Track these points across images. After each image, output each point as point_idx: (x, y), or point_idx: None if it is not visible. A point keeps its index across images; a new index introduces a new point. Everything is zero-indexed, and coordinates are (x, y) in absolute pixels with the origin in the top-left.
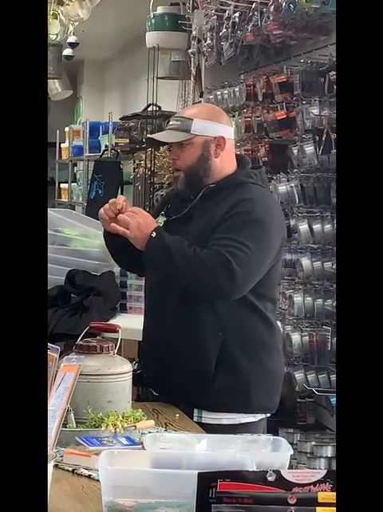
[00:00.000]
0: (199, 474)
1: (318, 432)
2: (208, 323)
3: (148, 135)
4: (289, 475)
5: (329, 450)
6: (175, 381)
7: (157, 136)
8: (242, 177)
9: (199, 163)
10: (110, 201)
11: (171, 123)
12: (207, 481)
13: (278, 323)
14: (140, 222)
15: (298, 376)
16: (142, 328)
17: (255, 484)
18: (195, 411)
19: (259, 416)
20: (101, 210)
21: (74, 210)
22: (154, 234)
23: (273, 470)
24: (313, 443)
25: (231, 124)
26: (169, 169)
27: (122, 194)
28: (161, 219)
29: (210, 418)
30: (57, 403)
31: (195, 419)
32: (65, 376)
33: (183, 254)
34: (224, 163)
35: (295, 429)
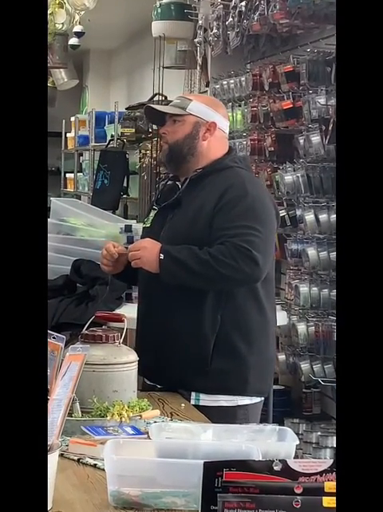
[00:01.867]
0: (205, 463)
1: (324, 422)
2: (206, 307)
3: (148, 104)
4: (295, 465)
5: (334, 441)
6: (173, 366)
7: (155, 106)
8: (227, 161)
9: (186, 140)
10: (103, 254)
11: (172, 100)
12: (213, 470)
13: (284, 313)
14: (146, 253)
15: (304, 366)
16: (136, 315)
17: (261, 474)
18: (193, 394)
19: (256, 399)
20: (103, 267)
21: (80, 199)
22: (162, 256)
23: (279, 460)
24: (319, 433)
25: (228, 119)
26: None
27: (128, 184)
28: (152, 213)
29: (208, 400)
30: (62, 392)
31: (192, 402)
32: (70, 366)
33: (199, 260)
34: (212, 149)
35: (301, 419)
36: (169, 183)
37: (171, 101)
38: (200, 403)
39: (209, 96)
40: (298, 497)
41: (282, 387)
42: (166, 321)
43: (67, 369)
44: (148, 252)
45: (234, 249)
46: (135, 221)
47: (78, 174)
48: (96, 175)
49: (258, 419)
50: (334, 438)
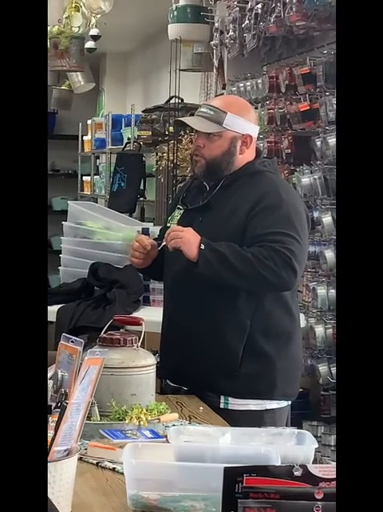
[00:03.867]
0: (225, 468)
1: None
2: (236, 310)
3: (178, 118)
4: (315, 470)
5: None
6: (201, 368)
7: (187, 121)
8: (257, 166)
9: (224, 156)
10: (135, 246)
11: (203, 110)
12: (234, 476)
13: (302, 315)
14: (188, 235)
15: (322, 368)
16: (162, 318)
17: (282, 479)
18: (222, 397)
19: (283, 403)
20: (132, 260)
21: (97, 202)
22: (202, 246)
23: (299, 465)
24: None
25: (257, 122)
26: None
27: (145, 186)
28: (177, 212)
29: (237, 404)
30: (81, 396)
31: (221, 406)
32: (88, 370)
33: (240, 256)
34: (245, 157)
35: (319, 422)
36: (195, 181)
37: (187, 104)
38: (229, 407)
39: (238, 99)
40: (319, 502)
41: (301, 390)
42: (195, 323)
43: (85, 373)
44: (191, 235)
45: (275, 253)
46: (152, 223)
47: (95, 177)
48: (113, 177)
49: (284, 423)
50: None
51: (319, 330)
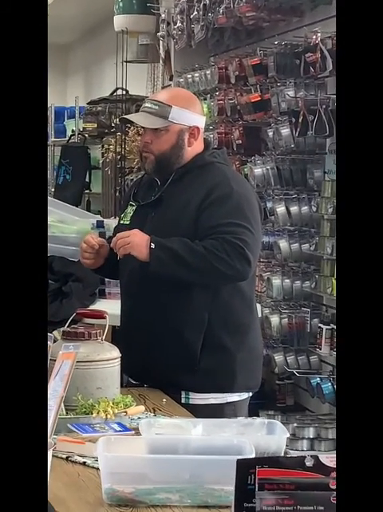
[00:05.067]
0: (238, 460)
1: (298, 413)
2: (193, 304)
3: (123, 116)
4: (326, 460)
5: (311, 432)
6: (160, 365)
7: (133, 118)
8: (207, 157)
9: (173, 150)
10: (84, 247)
11: (147, 105)
12: (246, 468)
13: (258, 305)
14: (136, 239)
15: (278, 358)
16: (120, 316)
17: (294, 470)
18: (183, 393)
19: (244, 395)
20: (84, 261)
21: None
22: (153, 245)
23: (311, 456)
24: (295, 424)
25: (203, 113)
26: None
27: (90, 179)
28: (130, 209)
29: (198, 398)
30: (54, 391)
31: (182, 400)
32: (62, 364)
33: (192, 251)
34: (194, 149)
35: (276, 411)
36: (146, 177)
37: (133, 96)
38: (190, 402)
39: (182, 91)
40: (335, 492)
41: None
42: (152, 320)
43: (59, 368)
44: (139, 238)
45: (228, 245)
46: (99, 216)
47: None
48: (58, 170)
49: (246, 415)
50: (310, 429)
51: (274, 320)
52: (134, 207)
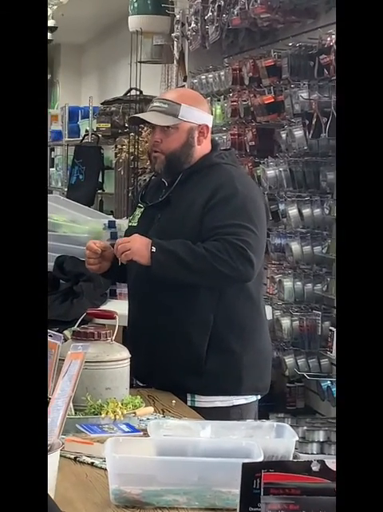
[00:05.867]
0: (244, 464)
1: (309, 417)
2: (199, 307)
3: (133, 115)
4: (333, 465)
5: (321, 435)
6: (166, 367)
7: (143, 116)
8: (214, 158)
9: (183, 148)
10: (87, 254)
11: (156, 104)
12: (252, 471)
13: (268, 308)
14: (136, 244)
15: (288, 360)
16: (127, 316)
17: (300, 475)
18: (189, 395)
19: (251, 398)
20: (89, 267)
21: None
22: (154, 249)
23: (317, 460)
24: (305, 427)
25: (214, 113)
26: None
27: (103, 179)
28: (138, 211)
29: (204, 401)
30: (63, 391)
31: (188, 403)
32: (70, 364)
33: (194, 253)
34: (203, 149)
35: (286, 414)
36: (154, 178)
37: (146, 96)
38: (196, 405)
39: (189, 91)
40: None
41: None
42: (157, 322)
43: (68, 368)
44: (139, 243)
45: (230, 246)
46: (111, 216)
47: (50, 169)
48: (71, 170)
49: (253, 418)
50: (320, 432)
51: (285, 322)
52: (142, 209)
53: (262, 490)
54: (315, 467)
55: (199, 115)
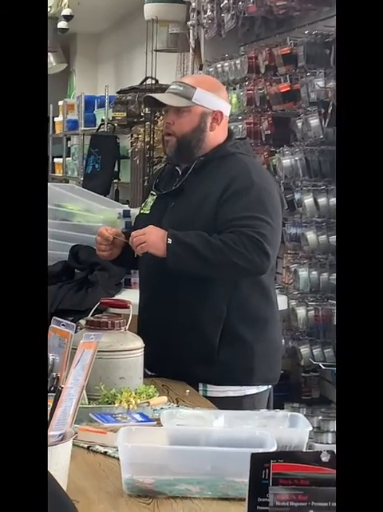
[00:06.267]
0: (253, 455)
1: (324, 406)
2: (212, 296)
3: (148, 94)
4: None
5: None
6: (178, 357)
7: (157, 96)
8: (229, 148)
9: (194, 132)
10: (98, 240)
11: (173, 87)
12: (260, 462)
13: (284, 297)
14: (151, 237)
15: (304, 350)
16: (138, 306)
17: (310, 465)
18: (200, 385)
19: (262, 388)
20: (100, 253)
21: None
22: (170, 241)
23: (327, 451)
24: (320, 417)
25: (229, 101)
26: None
27: (119, 168)
28: (151, 198)
29: (215, 391)
30: (75, 380)
31: (200, 393)
32: (83, 353)
33: (210, 245)
34: (216, 136)
35: (301, 404)
36: (168, 166)
37: (162, 85)
38: (208, 394)
39: (209, 77)
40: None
41: (282, 372)
42: (170, 312)
43: (80, 357)
44: (154, 235)
45: (246, 238)
46: (127, 205)
47: (67, 159)
48: (87, 159)
49: (264, 408)
50: (335, 422)
51: (301, 312)
52: (155, 197)
53: (270, 480)
54: (325, 458)
55: (214, 100)
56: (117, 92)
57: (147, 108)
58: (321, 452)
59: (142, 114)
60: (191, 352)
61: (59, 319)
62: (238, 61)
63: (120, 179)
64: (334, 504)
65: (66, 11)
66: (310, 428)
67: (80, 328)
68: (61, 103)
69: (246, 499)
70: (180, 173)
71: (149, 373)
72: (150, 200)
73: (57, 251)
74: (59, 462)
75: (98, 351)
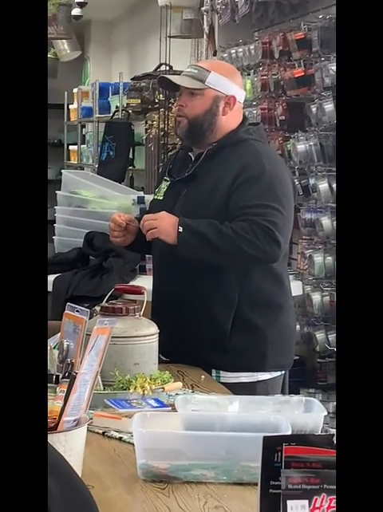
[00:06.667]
0: (265, 438)
1: None
2: (224, 283)
3: (162, 75)
4: None
5: None
6: (191, 343)
7: (171, 78)
8: (242, 134)
9: (206, 116)
10: (111, 226)
11: (187, 70)
12: (273, 445)
13: (299, 283)
14: (163, 223)
15: (319, 336)
16: (152, 291)
17: (322, 448)
18: (213, 371)
19: (276, 373)
20: (114, 240)
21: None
22: (181, 229)
23: None
24: (335, 402)
25: (244, 88)
26: None
27: (134, 155)
28: (164, 184)
29: (228, 377)
30: (89, 366)
31: (213, 379)
32: (97, 339)
33: (221, 234)
34: (229, 122)
35: (316, 389)
36: (181, 152)
37: (176, 72)
38: (221, 381)
39: (223, 63)
40: None
41: (297, 358)
42: (183, 298)
43: (94, 343)
44: (166, 222)
45: (257, 227)
46: (142, 192)
47: (81, 146)
48: (102, 146)
49: (278, 393)
50: None
51: (316, 298)
52: (168, 183)
53: (282, 463)
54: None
55: (227, 85)
56: (131, 79)
57: (161, 95)
58: (333, 435)
59: (156, 101)
60: (203, 339)
61: (73, 305)
62: (252, 47)
63: (134, 166)
64: None
65: None
66: (325, 413)
67: (95, 315)
68: (75, 90)
69: (259, 482)
70: (193, 159)
71: (164, 359)
72: (164, 186)
73: (72, 238)
74: (74, 447)
75: (113, 337)
